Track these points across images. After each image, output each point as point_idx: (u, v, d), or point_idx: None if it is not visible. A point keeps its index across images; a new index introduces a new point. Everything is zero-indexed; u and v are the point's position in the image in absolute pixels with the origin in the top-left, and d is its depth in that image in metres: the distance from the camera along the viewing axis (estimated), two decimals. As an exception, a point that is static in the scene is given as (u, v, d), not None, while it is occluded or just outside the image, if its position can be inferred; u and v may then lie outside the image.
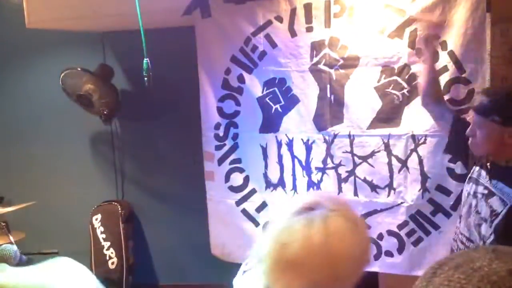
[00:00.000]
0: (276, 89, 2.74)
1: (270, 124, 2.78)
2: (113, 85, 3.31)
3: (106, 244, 3.35)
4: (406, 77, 2.46)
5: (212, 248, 2.93)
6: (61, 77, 3.19)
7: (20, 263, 1.95)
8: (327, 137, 2.65)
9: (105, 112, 3.26)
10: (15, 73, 3.61)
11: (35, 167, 3.62)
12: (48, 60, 3.52)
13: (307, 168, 2.73)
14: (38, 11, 2.77)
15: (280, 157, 2.79)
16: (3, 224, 2.76)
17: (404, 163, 2.51)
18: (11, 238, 2.62)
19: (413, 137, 2.48)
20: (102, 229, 3.36)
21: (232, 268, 1.61)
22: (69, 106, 3.35)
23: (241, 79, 2.80)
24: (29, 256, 2.43)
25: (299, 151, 2.73)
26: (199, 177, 2.92)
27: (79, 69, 3.19)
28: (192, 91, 2.89)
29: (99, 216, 3.40)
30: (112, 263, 3.33)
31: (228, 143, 2.88)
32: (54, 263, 1.25)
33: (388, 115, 2.51)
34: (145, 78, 2.13)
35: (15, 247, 2.14)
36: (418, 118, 2.45)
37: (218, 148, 2.89)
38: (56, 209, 3.54)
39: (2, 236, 2.75)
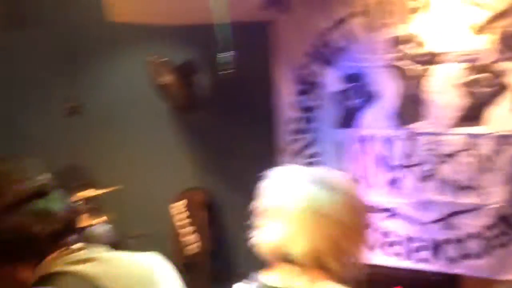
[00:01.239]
0: (354, 84, 2.73)
1: (348, 119, 2.78)
2: (193, 77, 3.43)
3: (188, 230, 3.49)
4: (493, 74, 2.38)
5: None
6: (144, 67, 3.37)
7: (111, 243, 2.08)
8: (408, 134, 2.61)
9: (183, 104, 3.40)
10: (102, 63, 3.83)
11: (122, 154, 3.82)
12: (134, 52, 3.69)
13: (386, 165, 2.71)
14: (123, 4, 2.86)
15: (357, 153, 2.78)
16: (94, 206, 2.95)
17: (491, 163, 2.43)
18: (102, 218, 2.80)
19: (502, 136, 2.40)
20: (184, 215, 3.51)
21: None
22: (155, 97, 3.52)
23: (318, 74, 2.81)
24: (117, 239, 2.60)
25: (379, 147, 2.71)
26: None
27: (162, 60, 3.33)
28: (267, 85, 2.92)
29: (181, 202, 3.55)
30: (193, 249, 3.47)
31: (304, 138, 2.90)
32: (147, 256, 1.22)
33: (474, 114, 2.45)
34: (223, 71, 2.19)
35: (107, 227, 2.28)
36: (506, 117, 2.37)
37: (293, 142, 2.92)
38: (140, 194, 3.71)
39: (95, 217, 2.94)
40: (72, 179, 3.43)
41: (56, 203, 1.11)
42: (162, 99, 3.46)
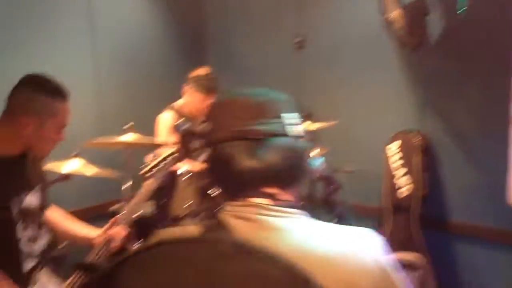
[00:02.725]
0: None
1: None
2: (425, 16, 3.25)
3: (401, 172, 3.44)
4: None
5: (509, 197, 2.74)
6: (373, 2, 3.30)
7: (323, 177, 2.18)
8: None
9: (412, 44, 3.27)
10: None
11: (341, 89, 3.88)
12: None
13: None
14: None
15: None
16: (311, 139, 3.10)
17: None
18: (317, 151, 2.91)
19: None
20: (398, 156, 3.46)
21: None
22: (382, 35, 3.44)
23: None
24: (329, 170, 2.70)
25: None
26: (503, 126, 2.72)
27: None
28: (504, 29, 2.61)
29: (397, 143, 3.49)
30: (404, 192, 3.42)
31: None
32: (356, 233, 0.97)
33: None
34: (459, 12, 2.01)
35: (320, 160, 2.39)
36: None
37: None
38: (355, 130, 3.76)
39: (310, 149, 3.09)
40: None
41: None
42: (390, 36, 3.37)
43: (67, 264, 2.05)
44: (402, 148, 3.46)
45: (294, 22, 4.08)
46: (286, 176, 1.03)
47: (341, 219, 2.06)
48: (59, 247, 2.06)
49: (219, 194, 1.06)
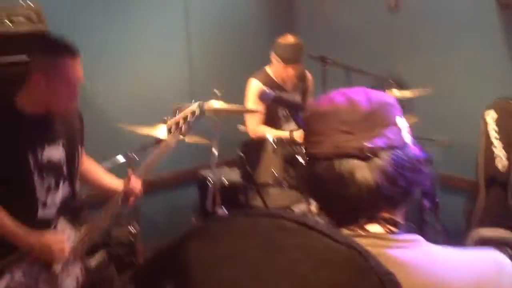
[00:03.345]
0: None
1: None
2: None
3: (499, 145, 3.22)
4: None
5: None
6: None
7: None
8: None
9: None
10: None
11: (435, 54, 3.68)
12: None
13: None
14: None
15: None
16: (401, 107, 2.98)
17: None
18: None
19: None
20: (496, 128, 3.23)
21: None
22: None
23: None
24: (421, 140, 2.58)
25: None
26: None
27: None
28: None
29: (493, 113, 3.26)
30: (502, 165, 3.21)
31: None
32: (485, 259, 0.89)
33: None
34: None
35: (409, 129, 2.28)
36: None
37: None
38: (450, 98, 3.56)
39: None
40: (385, 78, 3.50)
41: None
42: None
43: (84, 215, 2.25)
44: (500, 118, 3.22)
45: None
46: (402, 195, 0.90)
47: (426, 193, 1.97)
48: (78, 198, 2.21)
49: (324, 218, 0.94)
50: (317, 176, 0.91)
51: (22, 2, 2.81)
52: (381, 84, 3.34)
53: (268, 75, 3.49)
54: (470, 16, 3.44)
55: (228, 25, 4.15)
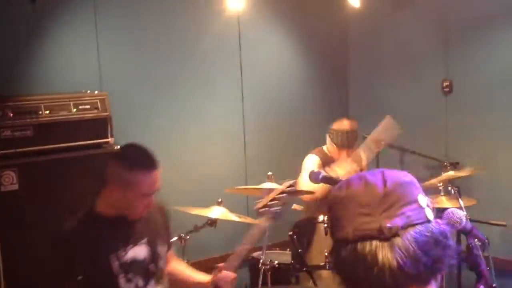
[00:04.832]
0: None
1: None
2: None
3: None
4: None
5: None
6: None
7: (465, 230, 2.01)
8: None
9: None
10: (474, 42, 3.67)
11: (490, 135, 3.61)
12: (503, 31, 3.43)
13: None
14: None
15: None
16: (455, 188, 2.91)
17: None
18: (460, 202, 2.73)
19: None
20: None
21: None
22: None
23: None
24: (477, 223, 2.49)
25: None
26: None
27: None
28: None
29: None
30: None
31: None
32: None
33: None
34: None
35: (463, 212, 2.22)
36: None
37: None
38: (508, 181, 3.45)
39: (453, 200, 2.90)
40: (439, 158, 3.45)
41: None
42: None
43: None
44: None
45: (441, 66, 3.94)
46: (428, 272, 0.88)
47: (482, 277, 1.87)
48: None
49: None
50: (343, 260, 0.91)
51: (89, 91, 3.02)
52: (436, 165, 3.30)
53: (325, 152, 3.51)
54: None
55: (283, 110, 4.25)
